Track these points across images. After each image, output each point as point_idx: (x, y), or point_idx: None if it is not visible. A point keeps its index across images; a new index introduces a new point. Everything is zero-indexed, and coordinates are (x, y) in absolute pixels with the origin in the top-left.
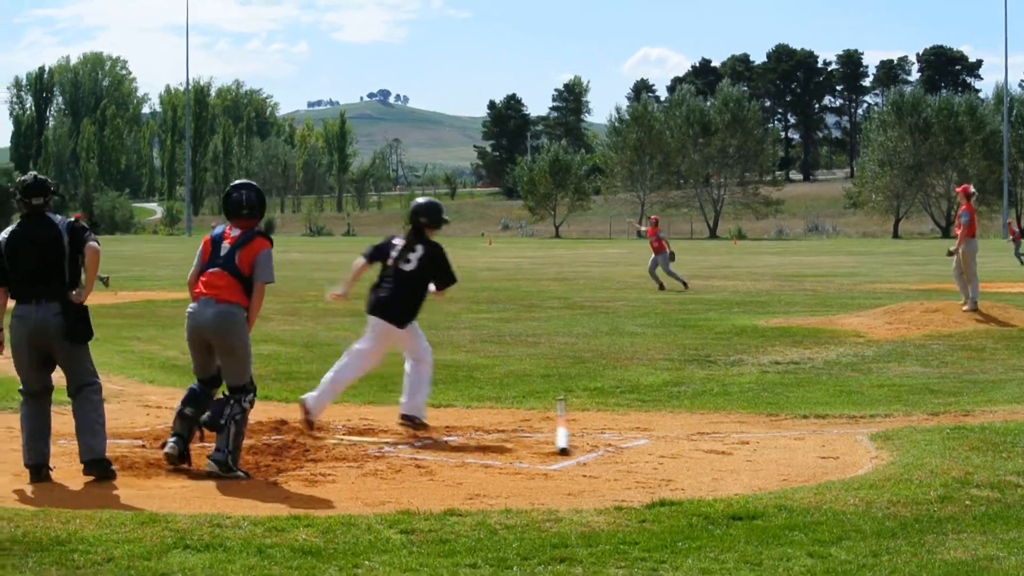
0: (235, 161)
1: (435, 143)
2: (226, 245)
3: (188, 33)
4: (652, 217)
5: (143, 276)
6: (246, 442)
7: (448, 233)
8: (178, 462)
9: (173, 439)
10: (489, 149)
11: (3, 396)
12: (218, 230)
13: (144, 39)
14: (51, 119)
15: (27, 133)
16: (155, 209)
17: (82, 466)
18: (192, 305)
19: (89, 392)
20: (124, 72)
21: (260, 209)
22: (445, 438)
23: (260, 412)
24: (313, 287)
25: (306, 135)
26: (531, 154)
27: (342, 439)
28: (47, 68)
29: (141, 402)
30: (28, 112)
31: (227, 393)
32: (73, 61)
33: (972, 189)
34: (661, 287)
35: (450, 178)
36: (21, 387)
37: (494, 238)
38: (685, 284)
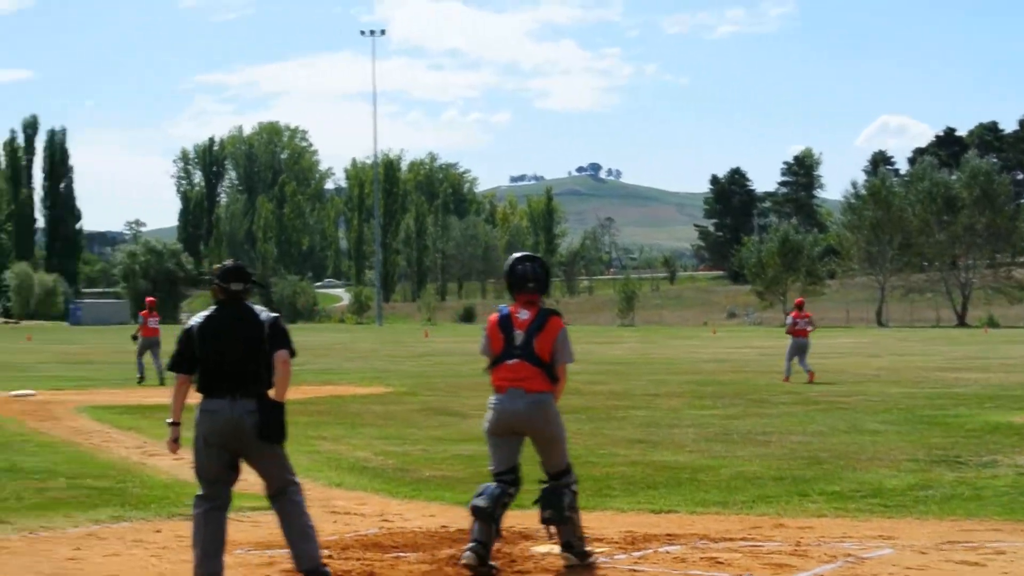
0: (430, 242)
1: (651, 221)
2: (519, 333)
3: (376, 101)
4: (797, 300)
5: (329, 369)
6: (445, 552)
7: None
8: (481, 571)
9: (472, 546)
10: (711, 228)
11: (172, 501)
12: (504, 311)
13: (326, 107)
14: (223, 195)
15: (196, 211)
16: (341, 295)
17: None
18: (497, 397)
19: (292, 494)
20: (304, 144)
21: (546, 282)
22: (666, 547)
23: (461, 518)
24: None
25: (508, 213)
26: (758, 233)
27: (551, 549)
28: (217, 139)
29: (327, 508)
30: (197, 188)
31: (548, 481)
32: (247, 131)
33: None
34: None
35: (668, 260)
36: (200, 492)
37: (718, 327)
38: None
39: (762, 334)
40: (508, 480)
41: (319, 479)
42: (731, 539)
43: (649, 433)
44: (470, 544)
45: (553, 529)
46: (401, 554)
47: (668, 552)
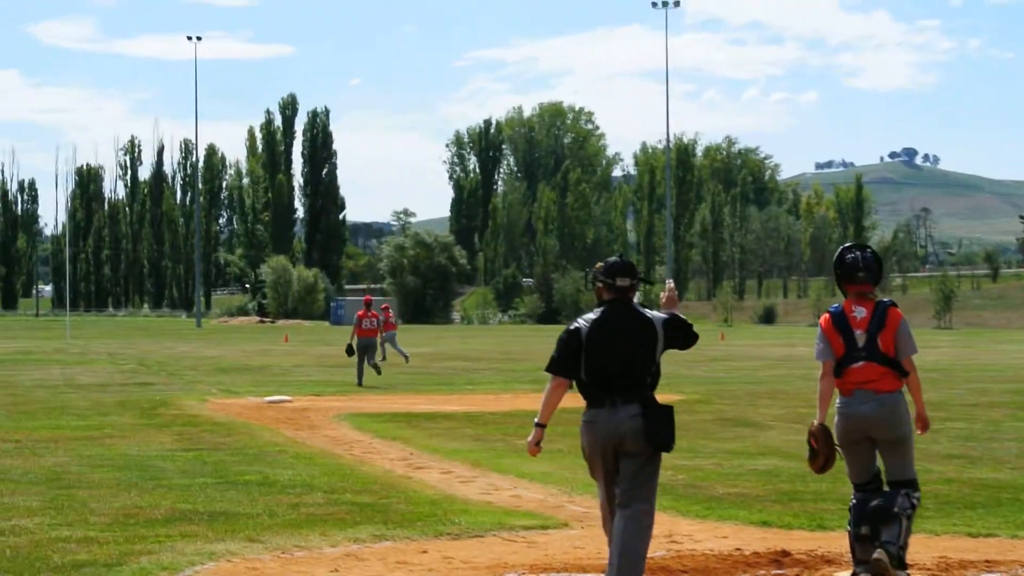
0: (727, 235)
1: (972, 213)
2: (859, 333)
3: (668, 80)
4: None
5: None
6: None
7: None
8: None
9: (863, 569)
10: None
11: (440, 518)
12: (836, 310)
13: (614, 87)
14: (500, 183)
15: (470, 200)
16: None
17: None
18: (844, 400)
19: (642, 515)
20: (589, 127)
21: (878, 272)
22: (985, 575)
23: (757, 540)
24: None
25: (814, 203)
26: None
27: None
28: (494, 121)
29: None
30: (472, 175)
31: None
32: (526, 113)
33: None
34: None
35: (991, 256)
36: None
37: None
38: None
39: None
40: (872, 489)
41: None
42: None
43: (967, 448)
44: (862, 566)
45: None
46: None
47: None
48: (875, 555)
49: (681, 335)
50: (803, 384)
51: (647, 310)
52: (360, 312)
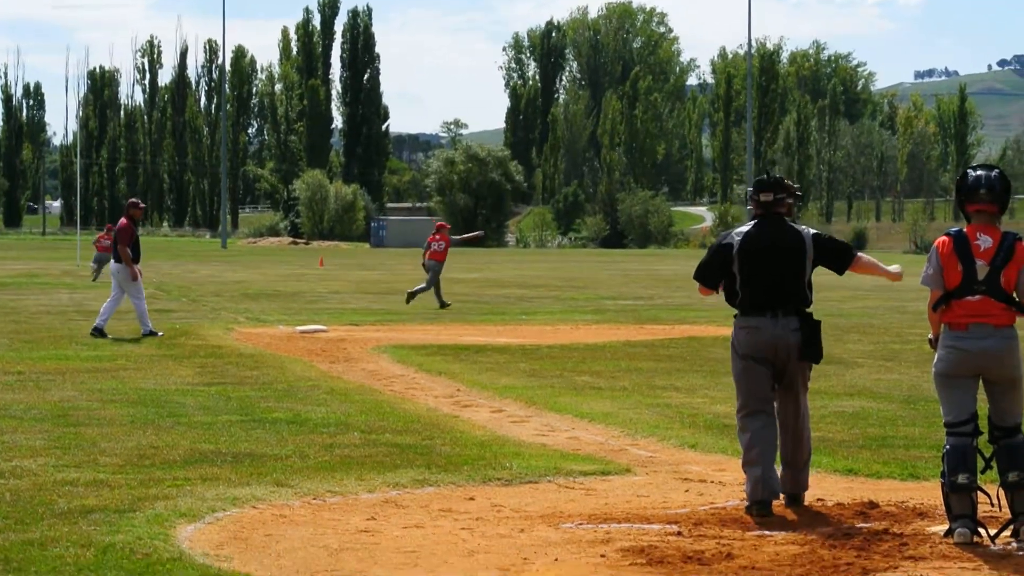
0: (814, 151)
1: None
2: (982, 264)
3: None
4: None
5: (686, 305)
6: (820, 530)
7: None
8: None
9: (960, 524)
10: None
11: (489, 462)
12: (957, 232)
13: None
14: (561, 92)
15: (528, 110)
16: (703, 215)
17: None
18: (956, 334)
19: (802, 406)
20: (662, 30)
21: (1004, 195)
22: None
23: (842, 490)
24: (919, 322)
25: (912, 117)
26: None
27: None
28: (557, 23)
29: (678, 474)
30: (531, 82)
31: (1001, 437)
32: (592, 14)
33: None
34: None
35: None
36: (745, 410)
37: None
38: None
39: None
40: (970, 431)
41: (669, 439)
42: None
43: None
44: (959, 521)
45: (997, 498)
46: (766, 532)
47: None
48: (1023, 531)
49: (833, 255)
50: (896, 317)
51: (800, 226)
52: (430, 236)
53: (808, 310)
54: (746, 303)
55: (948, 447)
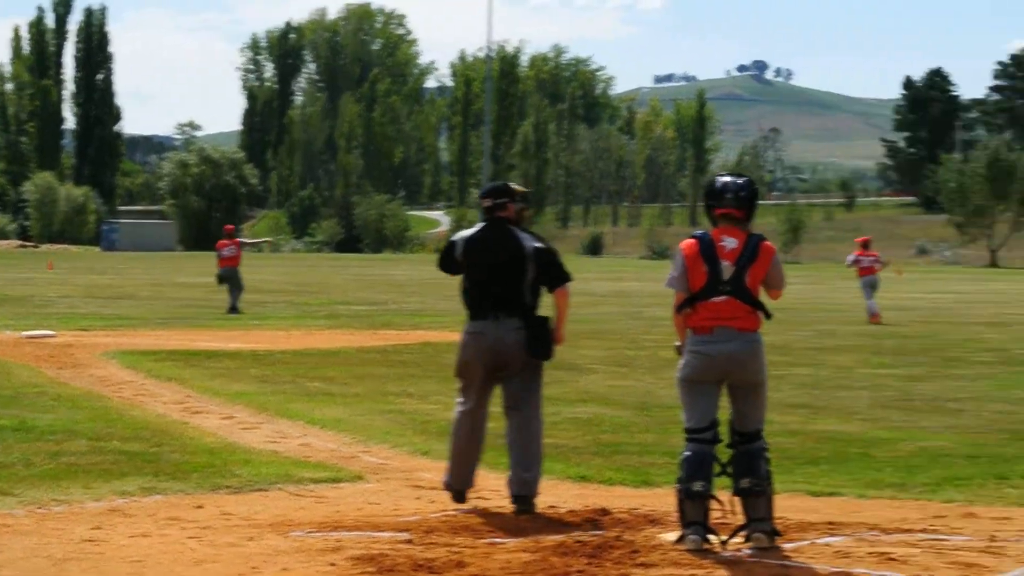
0: (551, 155)
1: (827, 135)
2: (727, 265)
3: None
4: None
5: (420, 311)
6: (552, 537)
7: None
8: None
9: (692, 531)
10: (902, 144)
11: (219, 470)
12: (704, 236)
13: None
14: (299, 94)
15: (264, 112)
16: (440, 219)
17: None
18: (701, 338)
19: (531, 418)
20: (401, 32)
21: (750, 201)
22: (827, 539)
23: (575, 497)
24: (653, 328)
25: (651, 122)
26: (961, 151)
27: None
28: (295, 24)
29: (410, 481)
30: (267, 84)
31: (739, 443)
32: (331, 15)
33: None
34: None
35: (847, 183)
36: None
37: (906, 266)
38: None
39: (959, 275)
40: (710, 438)
41: (401, 445)
42: (908, 530)
43: (812, 396)
44: (691, 528)
45: (730, 504)
46: (498, 540)
47: (828, 544)
48: (754, 537)
49: (546, 275)
50: (631, 323)
51: (526, 234)
52: (220, 242)
53: (535, 313)
54: (469, 307)
55: (688, 453)
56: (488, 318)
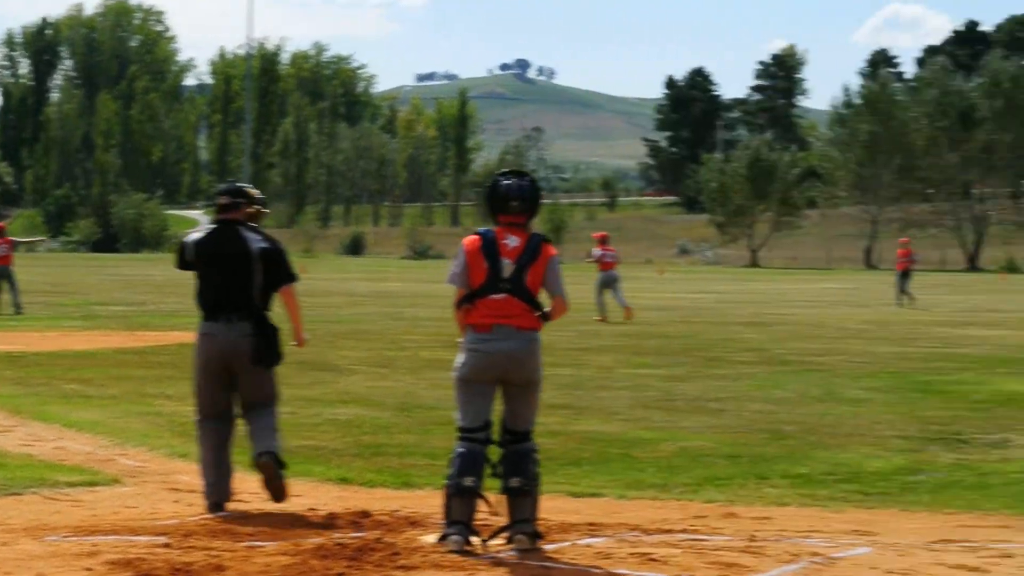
0: (312, 154)
1: (590, 134)
2: (507, 263)
3: None
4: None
5: (178, 311)
6: (312, 540)
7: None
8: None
9: (455, 530)
10: (664, 143)
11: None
12: (487, 234)
13: None
14: (55, 91)
15: (19, 109)
16: (199, 219)
17: None
18: (479, 336)
19: (268, 412)
20: (160, 29)
21: (534, 202)
22: (588, 540)
23: (335, 499)
24: (415, 328)
25: (413, 120)
26: (722, 150)
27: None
28: (50, 20)
29: (167, 484)
30: (22, 81)
31: (509, 443)
32: (88, 11)
33: None
34: None
35: (609, 182)
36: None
37: (667, 266)
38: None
39: (720, 275)
40: (483, 439)
41: (159, 448)
42: (669, 531)
43: (574, 397)
44: (454, 527)
45: (497, 504)
46: (257, 543)
47: (590, 546)
48: (516, 539)
49: (272, 274)
50: (392, 324)
51: (255, 234)
52: None
53: (267, 315)
54: (201, 308)
55: (461, 450)
56: (219, 320)
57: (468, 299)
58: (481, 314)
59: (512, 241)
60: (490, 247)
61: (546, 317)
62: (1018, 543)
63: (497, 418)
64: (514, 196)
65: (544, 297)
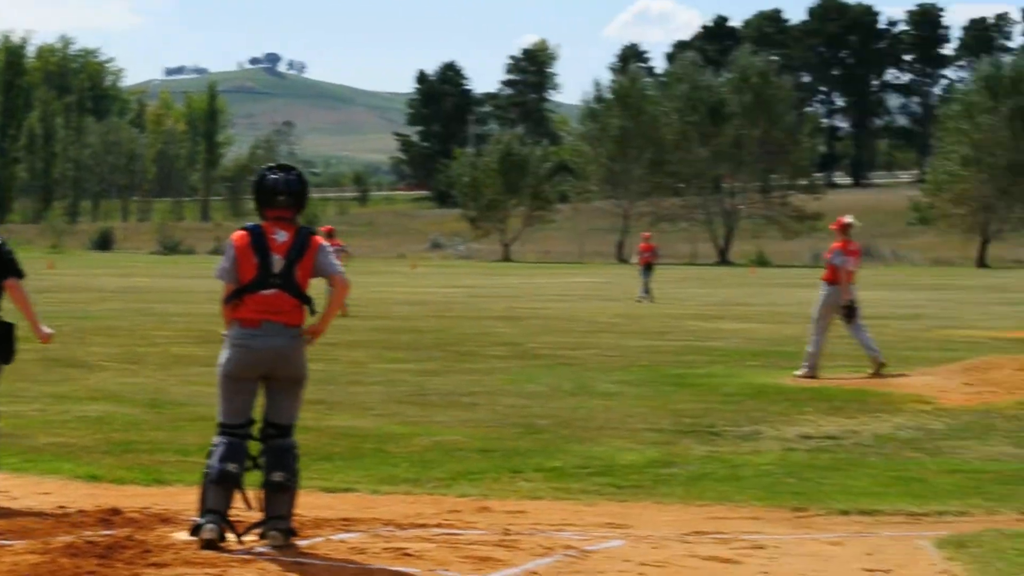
0: (59, 149)
1: (342, 128)
2: (277, 258)
3: None
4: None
5: None
6: (62, 539)
7: (357, 251)
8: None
9: (210, 520)
10: (416, 138)
11: None
12: (255, 228)
13: None
14: None
15: None
16: None
17: None
18: (246, 332)
19: None
20: None
21: (302, 196)
22: (342, 535)
23: (84, 496)
24: (165, 324)
25: (162, 115)
26: (474, 145)
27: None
28: None
29: None
30: None
31: (270, 438)
32: None
33: (849, 220)
34: None
35: (361, 177)
36: None
37: (419, 260)
38: None
39: (473, 270)
40: (244, 435)
41: None
42: (423, 525)
43: (327, 392)
44: (208, 516)
45: (256, 500)
46: (4, 542)
47: (344, 541)
48: (271, 535)
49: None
50: (142, 319)
51: None
52: None
53: None
54: None
55: (223, 442)
56: None
57: (237, 295)
58: (250, 309)
59: (281, 236)
60: (259, 242)
61: (313, 312)
62: (769, 534)
63: (258, 414)
64: (281, 190)
65: (315, 288)
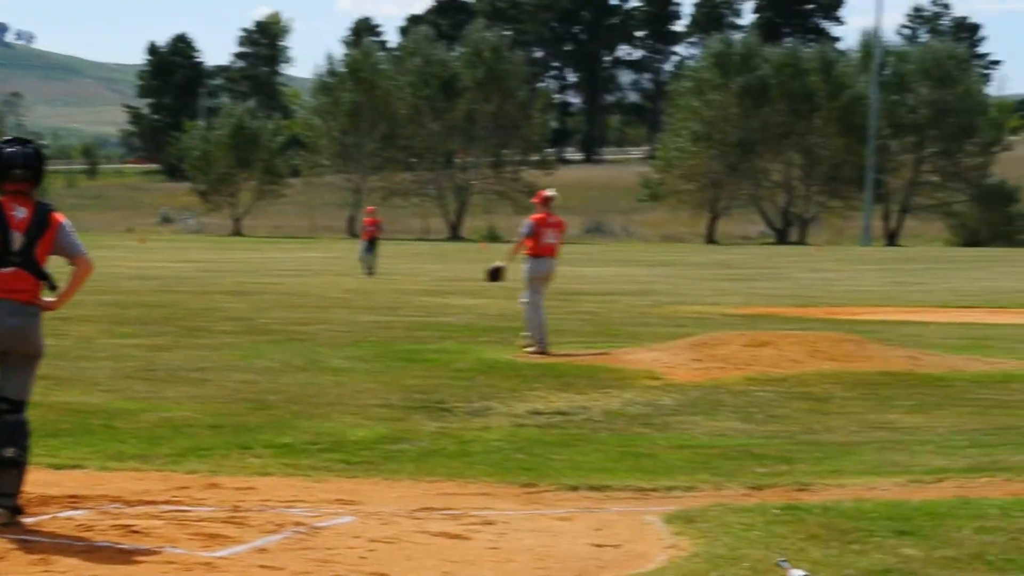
0: None
1: (70, 100)
2: (17, 235)
3: None
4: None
5: None
6: None
7: (87, 225)
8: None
9: (3, 501)
10: (146, 110)
11: None
12: None
13: None
14: None
15: None
16: None
17: None
18: None
19: None
20: None
21: (39, 168)
22: (69, 512)
23: None
24: None
25: None
26: (205, 118)
27: None
28: None
29: None
30: None
31: (6, 411)
32: None
33: (551, 193)
34: None
35: (90, 149)
36: None
37: (148, 234)
38: None
39: (203, 244)
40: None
41: None
42: (152, 502)
43: (54, 368)
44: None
45: None
46: None
47: (71, 518)
48: None
49: None
50: None
51: None
52: None
53: None
54: None
55: None
56: None
57: None
58: None
59: (20, 212)
60: None
61: (53, 287)
62: (498, 510)
63: None
64: (18, 163)
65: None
